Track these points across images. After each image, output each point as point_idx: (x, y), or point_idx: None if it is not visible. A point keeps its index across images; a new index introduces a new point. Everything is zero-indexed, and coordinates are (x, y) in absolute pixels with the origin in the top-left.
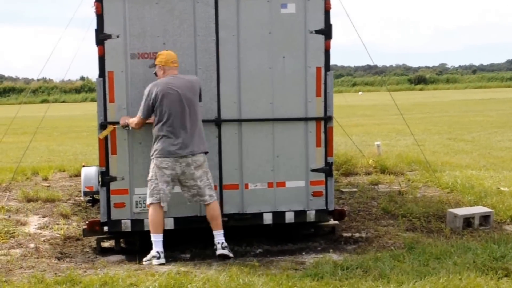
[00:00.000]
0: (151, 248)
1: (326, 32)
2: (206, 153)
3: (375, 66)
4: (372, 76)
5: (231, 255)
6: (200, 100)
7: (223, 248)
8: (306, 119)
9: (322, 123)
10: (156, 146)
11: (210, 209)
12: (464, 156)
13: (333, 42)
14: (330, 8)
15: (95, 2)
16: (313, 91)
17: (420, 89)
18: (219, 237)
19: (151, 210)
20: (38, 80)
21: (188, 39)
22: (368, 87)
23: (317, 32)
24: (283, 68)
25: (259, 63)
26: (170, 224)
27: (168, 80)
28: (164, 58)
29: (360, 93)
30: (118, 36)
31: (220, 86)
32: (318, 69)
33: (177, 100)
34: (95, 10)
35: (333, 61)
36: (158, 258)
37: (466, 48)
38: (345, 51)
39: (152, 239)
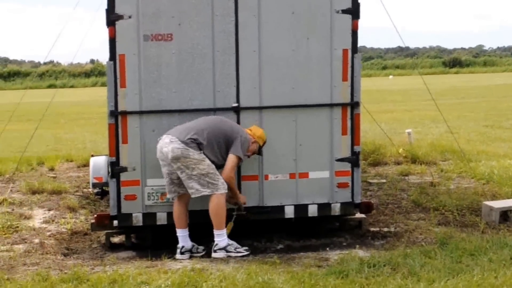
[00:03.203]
0: (163, 243)
1: (354, 11)
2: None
3: (407, 48)
4: (403, 58)
5: (222, 256)
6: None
7: (214, 250)
8: (331, 105)
9: (349, 109)
10: None
11: (209, 204)
12: (502, 144)
13: (361, 22)
14: None
15: None
16: (339, 75)
17: (455, 73)
18: (215, 237)
19: None
20: (45, 63)
21: (205, 20)
22: (399, 71)
23: (344, 11)
24: (307, 51)
25: (281, 46)
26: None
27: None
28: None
29: (390, 77)
30: (130, 17)
31: (239, 71)
32: (345, 51)
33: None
34: None
35: (361, 42)
36: (176, 253)
37: (504, 28)
38: (374, 32)
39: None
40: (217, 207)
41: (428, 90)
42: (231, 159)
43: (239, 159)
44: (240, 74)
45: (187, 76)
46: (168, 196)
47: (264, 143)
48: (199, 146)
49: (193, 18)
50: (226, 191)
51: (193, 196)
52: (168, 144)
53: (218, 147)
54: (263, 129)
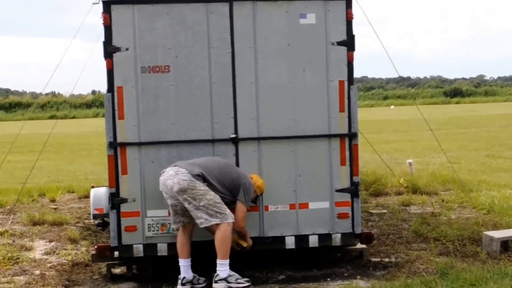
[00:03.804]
0: (164, 274)
1: (349, 43)
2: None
3: (408, 78)
4: (404, 88)
5: (223, 287)
6: (236, 194)
7: (215, 281)
8: (329, 136)
9: (347, 140)
10: None
11: (216, 233)
12: (503, 174)
13: (362, 52)
14: (352, 18)
15: (103, 13)
16: (336, 106)
17: (457, 103)
18: (217, 267)
19: None
20: (46, 94)
21: (201, 52)
22: (400, 101)
23: (339, 43)
24: (303, 82)
25: (278, 77)
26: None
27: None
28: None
29: (392, 107)
30: (127, 49)
31: (237, 102)
32: (341, 82)
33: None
34: (103, 22)
35: (363, 72)
36: (177, 284)
37: (505, 57)
38: (376, 62)
39: None
40: (224, 236)
41: (425, 119)
42: (240, 209)
43: (246, 206)
44: (237, 105)
45: (185, 108)
46: (172, 226)
47: (261, 193)
48: (204, 181)
49: (189, 50)
50: (234, 220)
51: (201, 226)
52: (173, 176)
53: (222, 188)
54: (263, 180)
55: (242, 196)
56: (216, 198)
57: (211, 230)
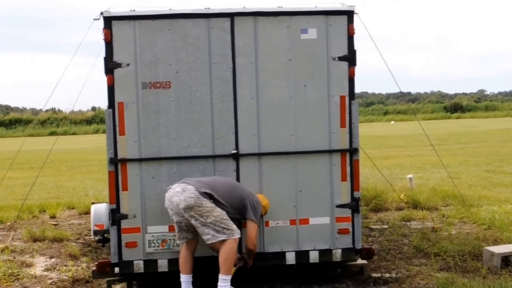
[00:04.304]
0: None
1: (350, 58)
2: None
3: (408, 93)
4: (405, 103)
5: None
6: (245, 215)
7: None
8: (330, 152)
9: (348, 155)
10: None
11: (222, 249)
12: (503, 189)
13: (363, 68)
14: (353, 33)
15: (103, 28)
16: (337, 122)
17: (457, 118)
18: (219, 282)
19: None
20: (46, 110)
21: (202, 67)
22: (400, 116)
23: (340, 58)
24: (304, 97)
25: (279, 92)
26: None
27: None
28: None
29: (392, 122)
30: (128, 65)
31: (238, 117)
32: (342, 98)
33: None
34: (104, 37)
35: (363, 87)
36: None
37: (506, 72)
38: (376, 77)
39: None
40: (229, 252)
41: (426, 135)
42: (251, 227)
43: (257, 224)
44: (238, 120)
45: (186, 123)
46: (177, 242)
47: (265, 213)
48: (211, 198)
49: (190, 65)
50: (240, 236)
51: (208, 242)
52: (179, 193)
53: (230, 208)
54: (268, 200)
55: (252, 214)
56: (223, 214)
57: (215, 247)
